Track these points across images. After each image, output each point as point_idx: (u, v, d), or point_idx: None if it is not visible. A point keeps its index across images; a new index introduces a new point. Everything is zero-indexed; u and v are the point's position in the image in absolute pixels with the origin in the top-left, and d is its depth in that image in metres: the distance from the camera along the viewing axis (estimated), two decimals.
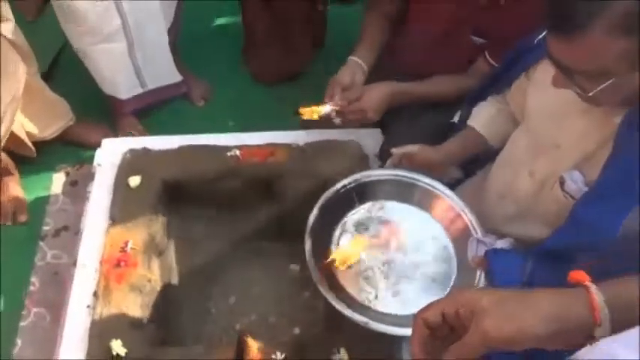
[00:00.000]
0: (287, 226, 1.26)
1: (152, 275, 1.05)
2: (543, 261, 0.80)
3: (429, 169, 1.09)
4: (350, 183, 1.07)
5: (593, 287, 0.49)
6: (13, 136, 1.42)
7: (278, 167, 1.22)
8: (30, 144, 1.50)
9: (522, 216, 0.95)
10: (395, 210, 1.07)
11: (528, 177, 0.93)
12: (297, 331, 1.22)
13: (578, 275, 0.51)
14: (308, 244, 0.97)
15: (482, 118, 1.09)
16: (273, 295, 1.33)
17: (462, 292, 0.53)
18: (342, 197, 1.06)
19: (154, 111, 1.77)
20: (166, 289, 1.15)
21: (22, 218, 1.51)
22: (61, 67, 1.87)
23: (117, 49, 1.52)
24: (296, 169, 1.22)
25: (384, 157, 1.23)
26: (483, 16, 1.14)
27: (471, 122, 1.10)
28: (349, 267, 0.98)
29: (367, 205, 1.07)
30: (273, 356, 0.92)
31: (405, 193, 1.07)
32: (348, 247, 0.99)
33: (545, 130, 0.89)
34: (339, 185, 1.06)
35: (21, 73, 1.35)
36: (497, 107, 1.08)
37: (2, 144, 1.37)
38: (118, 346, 0.91)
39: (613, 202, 0.72)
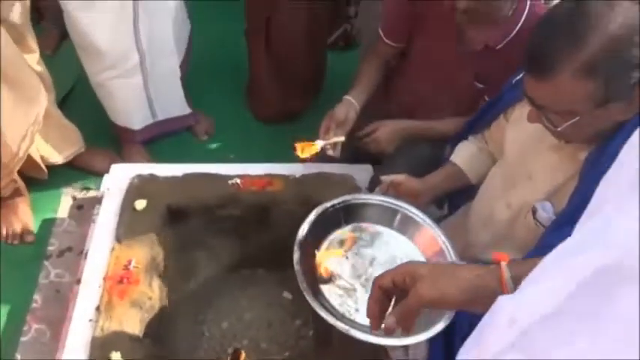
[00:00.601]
0: (281, 253, 1.31)
1: (152, 293, 1.11)
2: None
3: (413, 198, 1.15)
4: (339, 203, 1.14)
5: (504, 265, 0.60)
6: (29, 159, 1.49)
7: (275, 196, 1.30)
8: (43, 167, 1.57)
9: (499, 243, 1.02)
10: (378, 232, 1.14)
11: (505, 208, 1.00)
12: (287, 356, 1.26)
13: (500, 256, 0.60)
14: (296, 255, 1.03)
15: (464, 155, 1.16)
16: (266, 322, 1.38)
17: (407, 264, 0.65)
18: (330, 216, 1.12)
19: (159, 142, 1.86)
20: (163, 308, 1.20)
21: (29, 239, 1.56)
22: (73, 98, 1.96)
23: (133, 84, 1.62)
24: (292, 198, 1.29)
25: (372, 187, 1.32)
26: (482, 62, 1.22)
27: (453, 158, 1.17)
28: (331, 281, 1.03)
29: (352, 226, 1.14)
30: None
31: (388, 217, 1.14)
32: (330, 252, 1.07)
33: (520, 163, 0.97)
34: (328, 204, 1.13)
35: (42, 99, 1.44)
36: (477, 146, 1.16)
37: (20, 165, 1.45)
38: (117, 358, 0.95)
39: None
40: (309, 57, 1.85)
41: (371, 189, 1.32)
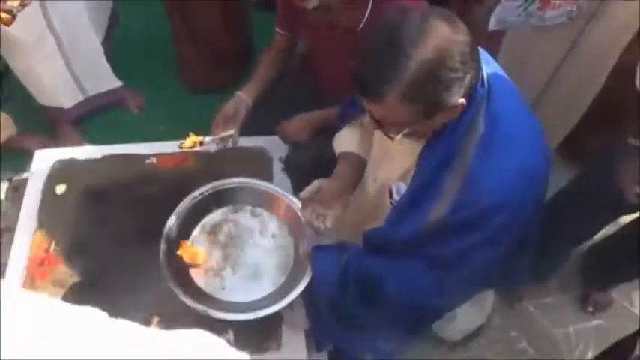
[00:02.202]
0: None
1: (76, 272, 1.20)
2: (358, 253, 0.98)
3: (338, 198, 1.10)
4: (207, 190, 1.20)
5: None
6: None
7: (190, 172, 1.37)
8: None
9: (373, 216, 1.09)
10: (247, 212, 1.22)
11: (372, 182, 1.09)
12: None
13: None
14: (163, 247, 1.10)
15: (351, 140, 1.17)
16: None
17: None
18: (200, 203, 1.18)
19: (91, 120, 1.88)
20: (98, 283, 1.29)
21: None
22: (4, 83, 1.96)
23: (55, 65, 1.62)
24: (205, 174, 1.35)
25: (287, 165, 1.40)
26: (352, 44, 1.27)
27: (349, 148, 1.16)
28: (198, 265, 1.11)
29: (224, 209, 1.21)
30: None
31: (256, 198, 1.22)
32: (194, 247, 1.14)
33: (382, 144, 1.04)
34: (196, 193, 1.19)
35: None
36: (358, 129, 1.17)
37: None
38: None
39: (413, 207, 0.90)
40: (228, 26, 1.84)
41: (286, 166, 1.40)
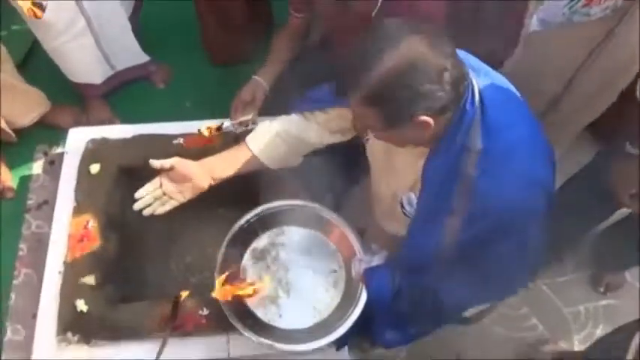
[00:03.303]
0: (235, 195, 1.45)
1: (111, 247, 1.28)
2: (406, 272, 1.00)
3: (187, 181, 1.12)
4: (252, 217, 1.16)
5: None
6: None
7: (215, 153, 1.41)
8: (10, 131, 1.68)
9: (389, 218, 1.11)
10: (293, 233, 1.18)
11: (386, 186, 1.09)
12: None
13: None
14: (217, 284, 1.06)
15: (260, 140, 1.13)
16: None
17: None
18: (245, 230, 1.16)
19: (120, 94, 1.93)
20: (129, 256, 1.38)
21: (9, 195, 1.71)
22: (35, 57, 2.00)
23: (86, 44, 1.65)
24: None
25: None
26: (361, 29, 1.26)
27: (247, 142, 1.14)
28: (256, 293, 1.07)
29: (269, 233, 1.18)
30: (200, 312, 1.15)
31: (301, 218, 1.18)
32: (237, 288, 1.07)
33: (386, 158, 1.04)
34: (242, 221, 1.15)
35: None
36: (276, 130, 1.13)
37: None
38: (81, 304, 1.14)
39: (427, 222, 0.92)
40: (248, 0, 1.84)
41: None
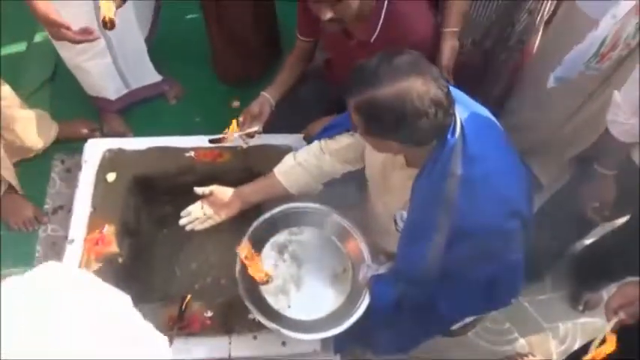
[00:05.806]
0: None
1: (123, 252, 1.35)
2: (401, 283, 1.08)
3: (224, 208, 1.24)
4: (277, 213, 1.27)
5: None
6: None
7: (224, 166, 1.49)
8: (15, 182, 1.71)
9: (385, 235, 1.18)
10: (309, 234, 1.28)
11: (383, 206, 1.16)
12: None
13: None
14: (238, 266, 1.18)
15: (283, 167, 1.25)
16: (226, 262, 1.62)
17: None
18: (268, 223, 1.26)
19: (134, 109, 2.01)
20: (138, 260, 1.44)
21: (45, 220, 1.74)
22: (63, 70, 2.07)
23: (104, 63, 1.73)
24: (238, 168, 1.48)
25: None
26: (366, 54, 1.35)
27: (281, 174, 1.24)
28: (268, 282, 1.17)
29: (290, 229, 1.29)
30: (205, 314, 1.22)
31: (320, 222, 1.28)
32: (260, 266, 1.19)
33: (382, 179, 1.12)
34: (267, 215, 1.26)
35: None
36: (297, 160, 1.24)
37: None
38: None
39: (414, 238, 0.99)
40: (258, 24, 1.92)
41: None
